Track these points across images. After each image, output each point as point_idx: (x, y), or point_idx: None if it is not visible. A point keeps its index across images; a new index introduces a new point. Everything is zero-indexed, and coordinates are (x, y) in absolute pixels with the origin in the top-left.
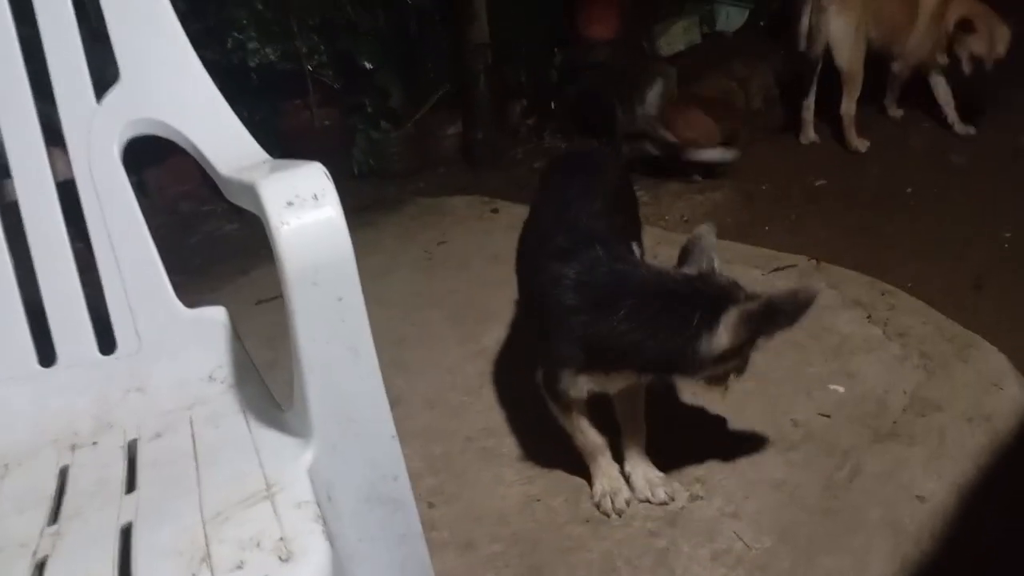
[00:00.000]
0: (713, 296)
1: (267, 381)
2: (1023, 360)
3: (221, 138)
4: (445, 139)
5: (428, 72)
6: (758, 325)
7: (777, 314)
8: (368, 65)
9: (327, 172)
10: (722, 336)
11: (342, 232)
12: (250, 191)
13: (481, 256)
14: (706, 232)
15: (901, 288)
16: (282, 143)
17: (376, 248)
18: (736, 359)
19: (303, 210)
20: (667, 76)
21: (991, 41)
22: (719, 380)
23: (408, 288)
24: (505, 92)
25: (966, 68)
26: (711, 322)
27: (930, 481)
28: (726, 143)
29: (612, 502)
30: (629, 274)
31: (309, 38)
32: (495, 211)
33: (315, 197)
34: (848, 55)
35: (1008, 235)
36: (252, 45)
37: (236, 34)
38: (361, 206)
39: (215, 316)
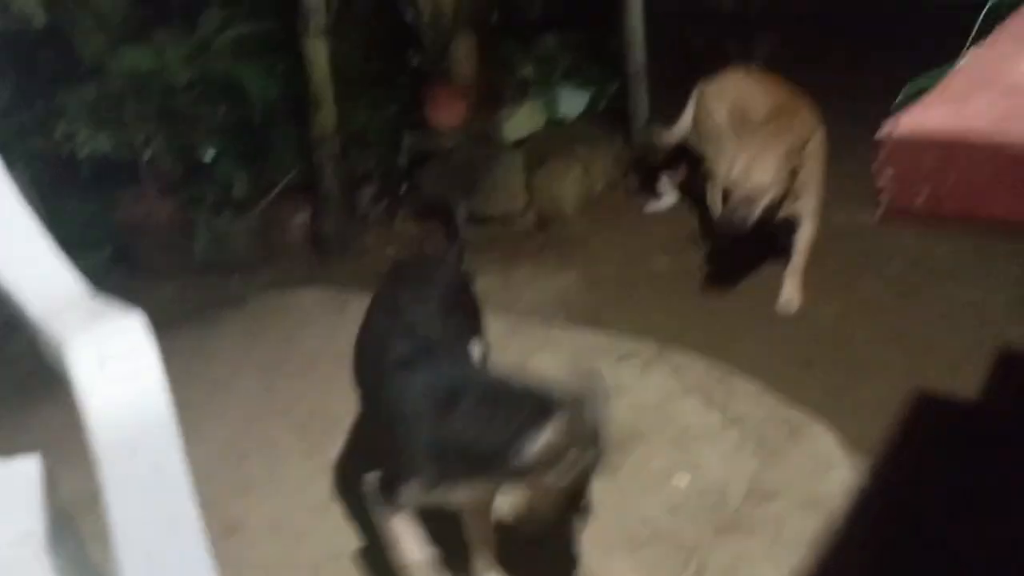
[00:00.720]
0: (539, 398)
1: (97, 507)
2: (850, 434)
3: (31, 272)
4: (292, 229)
5: (274, 160)
6: (575, 437)
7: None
8: (208, 156)
9: (145, 322)
10: (546, 434)
11: (160, 395)
12: (55, 349)
13: (328, 356)
14: None
15: (737, 368)
16: (117, 236)
17: (216, 353)
18: (556, 470)
19: (115, 374)
20: None
21: (737, 173)
22: (546, 497)
23: (251, 397)
24: (354, 178)
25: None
26: (538, 421)
27: (770, 573)
28: None
29: None
30: (461, 377)
31: (144, 127)
32: (343, 305)
33: (129, 356)
34: (701, 145)
35: (832, 312)
36: (84, 134)
37: (66, 123)
38: (202, 304)
39: (27, 469)
